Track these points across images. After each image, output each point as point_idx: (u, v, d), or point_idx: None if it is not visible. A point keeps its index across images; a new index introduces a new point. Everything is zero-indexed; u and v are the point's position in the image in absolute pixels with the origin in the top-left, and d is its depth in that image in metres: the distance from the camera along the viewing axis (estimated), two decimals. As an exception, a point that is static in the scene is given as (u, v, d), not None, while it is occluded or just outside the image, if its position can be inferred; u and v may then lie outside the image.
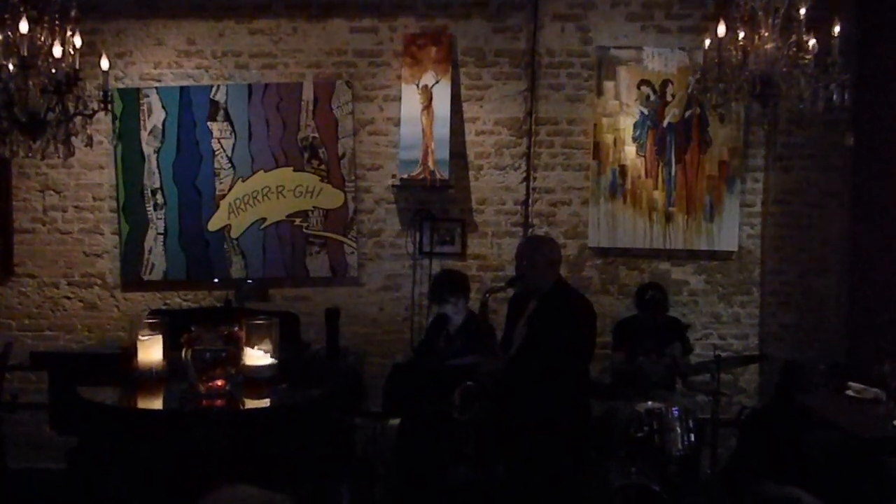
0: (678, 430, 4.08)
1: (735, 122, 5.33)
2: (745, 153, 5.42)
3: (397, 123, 5.42)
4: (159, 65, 5.58)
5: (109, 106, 3.97)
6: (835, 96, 3.34)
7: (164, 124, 5.52)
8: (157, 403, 3.56)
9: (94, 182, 5.66)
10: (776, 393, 5.16)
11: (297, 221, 5.54)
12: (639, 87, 5.40)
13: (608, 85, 5.40)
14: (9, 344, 5.30)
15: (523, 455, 3.56)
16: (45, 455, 5.16)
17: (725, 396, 4.64)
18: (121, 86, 5.50)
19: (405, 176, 5.31)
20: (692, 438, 4.14)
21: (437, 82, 5.34)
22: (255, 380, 3.60)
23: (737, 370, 5.35)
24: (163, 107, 5.52)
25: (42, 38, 3.61)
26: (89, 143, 3.90)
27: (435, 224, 5.49)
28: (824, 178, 5.43)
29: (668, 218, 5.43)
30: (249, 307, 4.66)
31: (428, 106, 5.33)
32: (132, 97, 5.52)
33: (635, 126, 5.41)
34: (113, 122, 5.48)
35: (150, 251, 5.59)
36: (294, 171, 5.52)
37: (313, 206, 5.53)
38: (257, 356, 3.63)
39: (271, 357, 3.67)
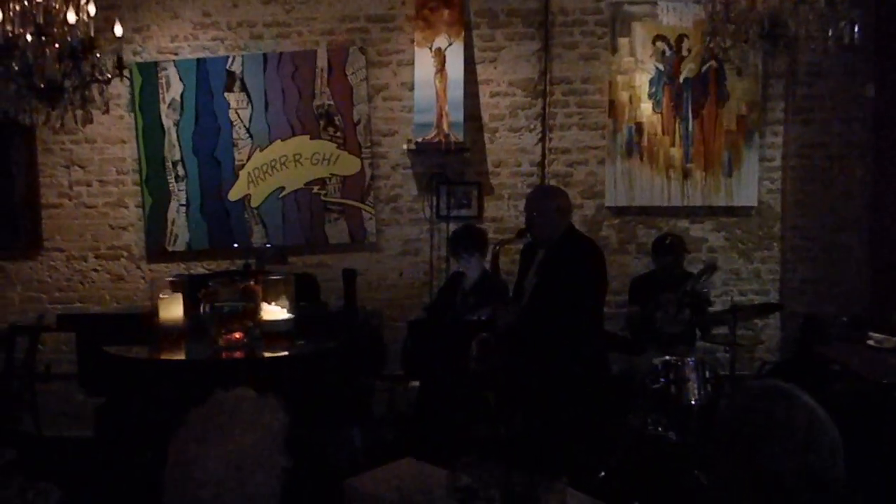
0: (694, 380, 4.08)
1: (753, 75, 5.27)
2: (763, 107, 5.36)
3: (411, 88, 5.43)
4: (176, 38, 5.65)
5: (126, 72, 4.06)
6: (845, 34, 3.28)
7: (182, 97, 5.61)
8: (179, 357, 3.65)
9: (117, 156, 5.77)
10: (798, 347, 5.13)
11: (316, 189, 5.60)
12: (654, 43, 5.35)
13: (623, 42, 5.36)
14: (41, 317, 5.47)
15: (541, 404, 3.59)
16: (78, 423, 5.31)
17: (743, 347, 4.63)
18: (139, 60, 5.60)
19: (420, 139, 5.32)
20: (708, 389, 4.13)
21: (450, 45, 5.34)
22: (273, 334, 3.67)
23: (757, 326, 5.32)
24: (180, 79, 5.60)
25: (57, 6, 3.70)
26: (106, 109, 3.98)
27: (451, 188, 5.51)
28: (845, 129, 5.35)
29: (686, 175, 5.39)
30: (269, 269, 4.73)
31: (441, 69, 5.34)
32: (151, 71, 5.61)
33: (651, 82, 5.37)
34: (132, 96, 5.59)
35: (173, 222, 5.69)
36: (310, 139, 5.57)
37: (331, 174, 5.59)
38: (274, 311, 3.70)
39: (288, 312, 3.74)
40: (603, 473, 3.85)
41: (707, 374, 4.13)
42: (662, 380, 4.09)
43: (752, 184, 5.36)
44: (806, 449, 1.34)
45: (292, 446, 1.60)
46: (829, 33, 3.27)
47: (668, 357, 4.17)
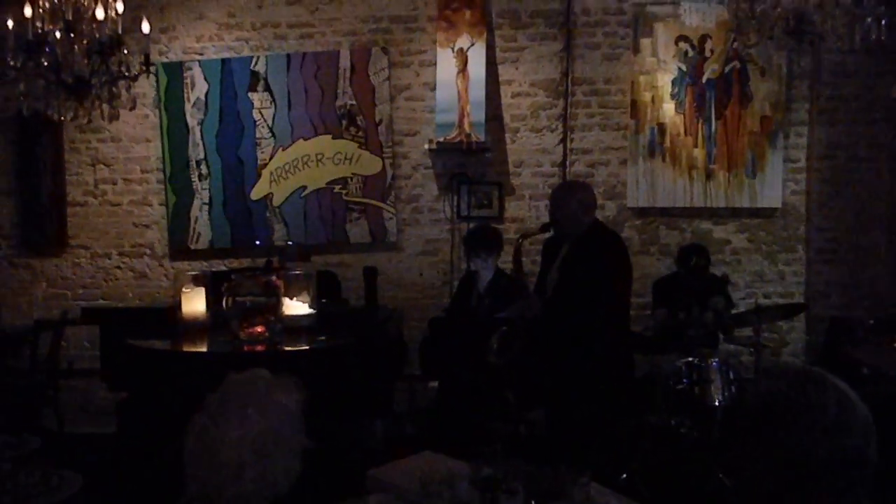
0: (718, 381, 4.03)
1: (777, 76, 5.23)
2: (788, 107, 5.31)
3: (433, 88, 5.45)
4: (201, 38, 5.71)
5: (152, 69, 4.10)
6: (872, 31, 3.24)
7: (206, 96, 5.66)
8: (201, 349, 3.67)
9: (142, 155, 5.83)
10: (825, 349, 5.07)
11: (337, 188, 5.62)
12: (676, 44, 5.33)
13: (645, 42, 5.34)
14: (65, 313, 5.52)
15: (558, 402, 3.57)
16: (99, 420, 5.35)
17: (768, 349, 4.57)
18: (165, 60, 5.66)
19: (441, 139, 5.33)
20: (732, 390, 4.08)
21: (472, 45, 5.35)
22: (294, 328, 3.68)
23: (782, 328, 5.26)
24: (205, 79, 5.65)
25: (85, 3, 3.75)
26: (133, 105, 4.03)
27: (472, 188, 5.51)
28: (870, 130, 5.30)
29: (709, 176, 5.35)
30: (291, 266, 4.75)
31: (463, 69, 5.35)
32: (176, 71, 5.66)
33: (673, 83, 5.34)
34: (158, 96, 5.65)
35: (196, 221, 5.74)
36: (333, 138, 5.60)
37: (352, 173, 5.61)
38: (296, 306, 3.72)
39: (309, 308, 3.75)
40: (625, 475, 3.82)
41: (731, 375, 4.08)
42: (686, 381, 4.06)
43: (776, 185, 5.31)
44: (837, 431, 1.32)
45: (309, 425, 1.60)
46: (856, 29, 3.23)
47: (691, 358, 4.14)
